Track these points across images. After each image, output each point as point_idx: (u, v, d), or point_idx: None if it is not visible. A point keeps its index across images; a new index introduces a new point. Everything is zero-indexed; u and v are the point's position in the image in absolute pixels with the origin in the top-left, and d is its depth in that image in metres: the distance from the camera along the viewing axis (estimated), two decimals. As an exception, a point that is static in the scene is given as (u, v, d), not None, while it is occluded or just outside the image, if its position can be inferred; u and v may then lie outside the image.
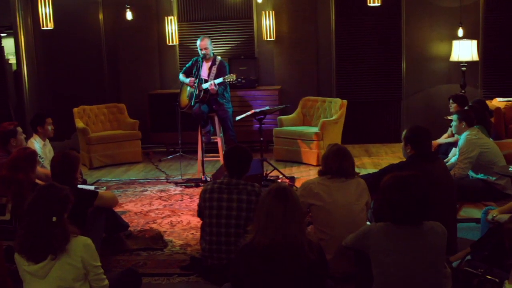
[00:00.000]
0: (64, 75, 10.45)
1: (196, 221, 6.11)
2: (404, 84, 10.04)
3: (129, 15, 9.38)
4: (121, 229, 5.50)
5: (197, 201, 6.63)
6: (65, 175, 4.80)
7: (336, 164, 4.57)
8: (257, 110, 7.67)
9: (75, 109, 9.30)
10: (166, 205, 6.99)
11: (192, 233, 5.94)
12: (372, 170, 7.78)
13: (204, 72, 8.25)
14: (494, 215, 4.57)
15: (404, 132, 5.08)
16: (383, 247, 3.52)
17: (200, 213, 4.83)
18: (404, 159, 5.20)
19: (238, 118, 7.86)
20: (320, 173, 4.69)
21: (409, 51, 9.97)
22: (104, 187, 7.18)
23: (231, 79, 7.74)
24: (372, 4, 8.28)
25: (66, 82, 10.44)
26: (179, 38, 10.04)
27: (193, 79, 8.14)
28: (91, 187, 6.75)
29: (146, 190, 7.67)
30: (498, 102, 8.97)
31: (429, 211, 3.56)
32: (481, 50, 9.73)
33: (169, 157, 9.48)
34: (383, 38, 9.98)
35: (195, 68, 8.28)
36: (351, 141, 9.68)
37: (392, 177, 3.56)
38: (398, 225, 3.55)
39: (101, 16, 10.34)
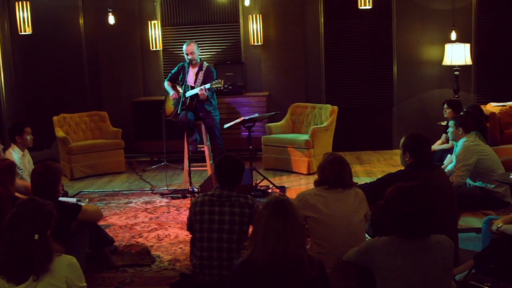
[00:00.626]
0: (43, 82, 10.31)
1: (185, 235, 5.97)
2: (395, 89, 10.02)
3: (111, 19, 9.19)
4: (106, 244, 5.34)
5: (185, 213, 6.80)
6: (46, 188, 4.65)
7: (333, 174, 4.45)
8: (246, 118, 7.56)
9: (55, 118, 9.17)
10: (152, 217, 6.84)
11: (181, 248, 5.78)
12: (365, 179, 7.85)
13: (190, 78, 8.13)
14: (499, 225, 4.46)
15: (402, 140, 4.97)
16: (388, 263, 3.39)
17: (190, 227, 4.67)
18: (401, 168, 5.08)
19: (226, 126, 7.75)
20: (316, 183, 4.57)
21: (401, 55, 9.94)
22: (87, 200, 7.17)
23: (219, 85, 7.62)
24: (363, 7, 8.19)
25: (46, 89, 10.30)
26: (163, 43, 9.97)
27: (174, 93, 8.03)
28: (73, 200, 6.71)
29: (131, 202, 7.52)
30: (492, 107, 8.92)
31: (435, 223, 3.44)
32: (474, 53, 9.69)
33: (153, 166, 9.38)
34: (374, 41, 9.94)
35: (181, 74, 8.13)
36: (342, 148, 9.57)
37: (398, 188, 3.44)
38: (404, 239, 3.42)
39: (81, 21, 10.21)
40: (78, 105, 10.08)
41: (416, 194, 3.39)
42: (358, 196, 4.51)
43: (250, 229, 4.28)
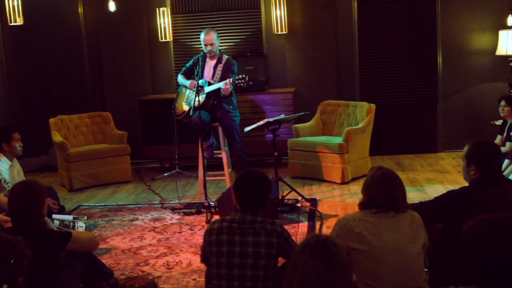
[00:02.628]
0: (38, 78, 10.04)
1: (199, 262, 5.34)
2: (440, 83, 9.63)
3: (112, 6, 8.83)
4: (103, 278, 4.74)
5: (200, 233, 6.40)
6: (27, 214, 4.11)
7: (382, 194, 3.85)
8: (271, 119, 7.07)
9: (52, 120, 8.89)
10: (161, 239, 6.31)
11: (195, 279, 5.20)
12: (408, 189, 7.17)
13: (207, 73, 7.66)
14: None
15: (465, 149, 4.35)
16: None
17: (205, 259, 4.06)
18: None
19: (247, 129, 7.25)
20: (362, 206, 3.95)
21: (447, 43, 9.55)
22: (85, 217, 6.73)
23: (243, 81, 7.12)
24: None
25: (41, 87, 10.05)
26: (173, 33, 9.67)
27: (194, 81, 7.52)
28: (69, 217, 6.39)
29: (137, 219, 7.04)
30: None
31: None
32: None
33: (164, 174, 9.08)
34: (415, 29, 9.55)
35: (197, 67, 7.61)
36: (378, 152, 9.42)
37: (481, 223, 2.78)
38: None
39: (80, 9, 9.92)
40: (78, 105, 9.87)
41: (507, 232, 2.73)
42: (415, 222, 3.88)
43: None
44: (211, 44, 7.51)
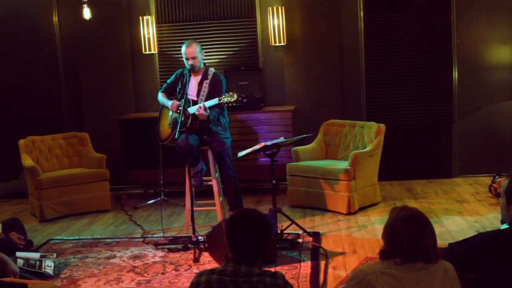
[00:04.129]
0: (7, 94, 9.74)
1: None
2: (455, 101, 9.35)
3: (86, 13, 8.56)
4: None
5: (186, 274, 5.90)
6: None
7: (408, 241, 3.35)
8: (268, 143, 6.62)
9: (21, 141, 8.57)
10: (141, 281, 5.78)
11: (178, 335, 4.61)
12: None
13: (192, 90, 7.21)
14: None
15: (505, 184, 3.87)
16: None
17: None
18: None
19: (241, 154, 6.81)
20: (383, 254, 3.44)
21: (463, 57, 9.28)
22: (54, 254, 6.40)
23: (230, 100, 6.65)
24: None
25: (11, 104, 9.76)
26: (158, 44, 9.47)
27: (176, 102, 7.16)
28: (36, 255, 6.11)
29: (115, 256, 6.53)
30: None
31: None
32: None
33: (148, 202, 8.70)
34: (428, 41, 9.26)
35: (179, 84, 7.27)
36: (387, 177, 9.13)
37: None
38: None
39: (55, 18, 9.63)
40: (52, 125, 9.55)
41: None
42: (449, 275, 3.38)
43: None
44: (193, 58, 7.09)
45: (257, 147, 6.61)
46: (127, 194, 9.35)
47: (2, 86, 9.68)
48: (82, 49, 9.55)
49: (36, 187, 8.10)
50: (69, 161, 8.90)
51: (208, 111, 6.79)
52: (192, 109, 6.89)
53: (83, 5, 8.50)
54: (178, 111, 6.96)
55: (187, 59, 7.10)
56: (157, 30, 9.35)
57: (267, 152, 6.66)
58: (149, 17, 9.21)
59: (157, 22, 9.40)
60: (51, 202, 8.14)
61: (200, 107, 6.72)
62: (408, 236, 3.36)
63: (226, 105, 6.80)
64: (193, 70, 7.12)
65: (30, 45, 9.60)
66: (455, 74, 9.22)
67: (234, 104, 6.68)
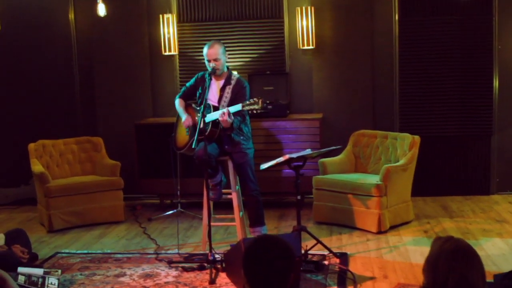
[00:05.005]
0: (18, 96, 9.69)
1: None
2: (496, 112, 9.18)
3: (101, 10, 8.38)
4: None
5: None
6: None
7: (454, 278, 3.04)
8: (294, 155, 6.37)
9: (31, 145, 8.48)
10: None
11: None
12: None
13: (213, 95, 6.93)
14: None
15: None
16: None
17: None
18: None
19: (263, 166, 6.57)
20: None
21: (505, 64, 9.12)
22: (59, 271, 6.19)
23: (255, 107, 6.37)
24: None
25: (22, 107, 9.69)
26: (179, 45, 9.32)
27: (188, 118, 6.97)
28: (39, 272, 5.90)
29: (124, 274, 6.23)
30: None
31: None
32: None
33: (163, 214, 8.55)
34: (467, 46, 9.12)
35: (200, 89, 6.99)
36: (420, 192, 8.89)
37: None
38: None
39: (71, 15, 9.56)
40: (64, 128, 9.52)
41: None
42: None
43: None
44: (216, 60, 6.80)
45: (281, 159, 6.36)
46: (143, 203, 9.20)
47: (15, 88, 9.68)
48: (98, 48, 9.50)
49: (45, 195, 7.93)
50: (81, 167, 8.78)
51: (232, 117, 6.51)
52: (212, 116, 6.63)
53: (98, 1, 8.40)
54: (195, 121, 6.72)
55: (209, 61, 6.82)
56: (178, 30, 9.23)
57: (293, 165, 6.41)
58: (169, 15, 9.10)
59: (178, 21, 9.29)
60: (60, 212, 7.98)
61: (223, 113, 6.43)
62: (454, 273, 3.05)
63: (249, 112, 6.52)
64: (214, 73, 6.83)
65: (44, 44, 9.56)
66: (496, 83, 9.03)
67: (257, 112, 6.42)
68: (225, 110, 6.45)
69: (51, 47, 9.57)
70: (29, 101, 9.62)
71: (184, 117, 6.94)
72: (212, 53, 6.77)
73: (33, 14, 9.46)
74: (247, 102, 6.38)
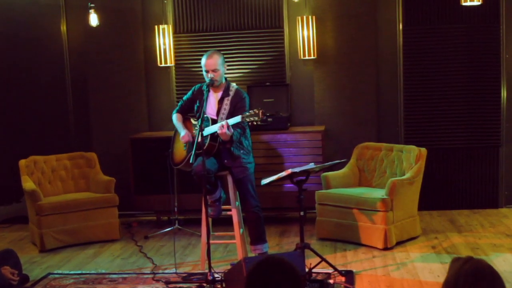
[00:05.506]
0: (9, 110, 9.62)
1: None
2: (504, 122, 9.14)
3: (93, 20, 8.40)
4: None
5: None
6: None
7: None
8: (296, 170, 6.20)
9: (22, 161, 8.35)
10: None
11: None
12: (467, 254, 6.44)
13: (211, 108, 6.80)
14: None
15: None
16: None
17: None
18: None
19: (264, 181, 6.40)
20: None
21: None
22: None
23: (255, 119, 6.23)
24: (468, 3, 7.29)
25: (13, 121, 9.64)
26: (175, 56, 9.27)
27: (186, 133, 6.83)
28: None
29: None
30: None
31: None
32: None
33: (160, 231, 8.44)
34: (474, 56, 9.07)
35: (197, 102, 6.86)
36: (426, 206, 8.87)
37: None
38: None
39: (63, 27, 9.46)
40: (57, 143, 9.43)
41: None
42: None
43: None
44: (214, 70, 6.64)
45: (283, 174, 6.21)
46: (139, 220, 9.12)
47: (5, 102, 9.62)
48: (91, 60, 9.41)
49: (36, 213, 7.79)
50: (75, 184, 8.66)
51: (232, 130, 6.38)
52: (211, 129, 6.50)
53: (90, 11, 8.32)
54: (193, 136, 6.56)
55: (207, 71, 6.67)
56: (174, 41, 9.17)
57: (295, 180, 6.27)
58: (165, 26, 9.04)
59: (174, 32, 9.24)
60: (52, 230, 7.85)
61: (222, 125, 6.30)
62: (476, 296, 2.86)
63: (249, 124, 6.40)
64: (212, 85, 6.69)
65: (36, 56, 9.50)
66: (504, 93, 9.00)
67: (258, 123, 6.29)
68: (223, 122, 6.33)
69: (43, 60, 9.51)
70: (20, 116, 9.56)
71: (182, 132, 6.81)
72: (211, 63, 6.63)
73: (23, 26, 9.43)
74: (247, 113, 6.23)
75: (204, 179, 6.18)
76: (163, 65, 9.08)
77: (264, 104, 8.76)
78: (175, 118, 7.00)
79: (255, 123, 6.23)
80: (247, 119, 6.18)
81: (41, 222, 7.74)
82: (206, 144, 6.43)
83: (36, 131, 9.51)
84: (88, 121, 9.47)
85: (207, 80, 6.66)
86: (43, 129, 9.53)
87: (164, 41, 8.99)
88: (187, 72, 9.25)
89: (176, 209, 8.27)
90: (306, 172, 6.27)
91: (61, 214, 7.91)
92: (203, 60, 6.69)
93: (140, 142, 8.84)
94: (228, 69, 8.19)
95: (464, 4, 7.27)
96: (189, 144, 6.71)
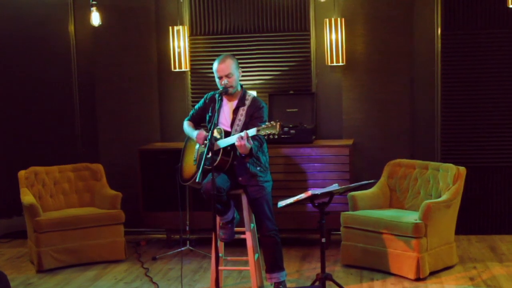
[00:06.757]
0: (11, 118, 9.62)
1: None
2: None
3: (95, 19, 8.25)
4: None
5: None
6: None
7: None
8: (317, 192, 5.85)
9: (21, 173, 8.24)
10: None
11: None
12: None
13: (224, 119, 6.53)
14: None
15: None
16: None
17: None
18: None
19: (281, 204, 6.07)
20: None
21: None
22: None
23: (272, 132, 5.93)
24: None
25: (15, 129, 9.62)
26: (191, 60, 9.17)
27: (203, 132, 6.52)
28: None
29: None
30: None
31: None
32: None
33: (170, 252, 8.22)
34: None
35: (209, 111, 6.61)
36: (464, 230, 8.63)
37: None
38: None
39: (71, 27, 9.43)
40: (61, 154, 9.41)
41: None
42: None
43: None
44: (228, 76, 6.37)
45: (302, 196, 5.89)
46: (148, 238, 8.96)
47: (7, 108, 9.63)
48: (100, 64, 9.37)
49: (34, 229, 7.61)
50: (79, 198, 8.51)
51: (252, 142, 6.06)
52: (225, 141, 6.21)
53: (92, 9, 8.24)
54: (205, 143, 6.26)
55: (220, 77, 6.41)
56: (190, 44, 9.10)
57: (316, 203, 5.95)
58: (180, 27, 8.94)
59: (190, 34, 9.16)
60: (51, 249, 7.66)
61: (241, 137, 6.00)
62: None
63: (267, 137, 6.06)
64: (226, 93, 6.41)
65: (40, 58, 9.47)
66: None
67: (274, 137, 5.97)
68: (242, 133, 6.03)
69: (48, 62, 9.48)
70: (23, 123, 9.55)
71: (195, 133, 6.57)
72: (224, 68, 6.37)
73: (28, 26, 9.41)
74: (263, 125, 5.92)
75: (215, 198, 5.90)
76: (177, 70, 8.97)
77: (287, 114, 8.70)
78: (186, 125, 6.83)
79: (271, 137, 5.92)
80: (263, 132, 5.86)
81: (39, 239, 7.57)
82: (218, 159, 6.16)
83: (40, 139, 9.50)
84: (95, 129, 9.45)
85: (220, 87, 6.41)
86: (47, 137, 9.51)
87: (179, 43, 8.88)
88: (203, 77, 9.14)
89: (188, 228, 8.18)
90: (329, 194, 5.97)
91: (61, 231, 7.76)
92: (215, 65, 6.45)
93: (151, 153, 8.73)
94: (247, 76, 8.43)
95: (511, 6, 6.96)
96: (199, 158, 6.46)
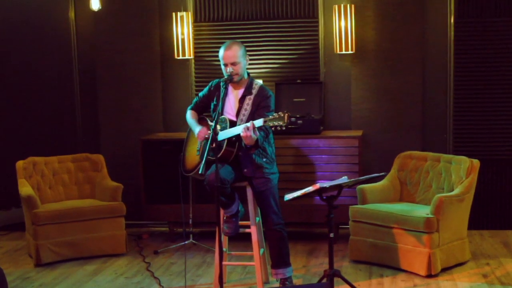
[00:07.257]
0: (10, 108, 9.57)
1: None
2: None
3: (94, 3, 8.29)
4: None
5: None
6: None
7: None
8: (326, 185, 5.73)
9: (20, 163, 8.16)
10: None
11: None
12: None
13: (230, 107, 6.41)
14: None
15: None
16: None
17: None
18: None
19: (288, 197, 5.94)
20: None
21: None
22: None
23: (279, 123, 5.81)
24: None
25: (14, 119, 9.58)
26: (195, 48, 9.05)
27: (202, 129, 6.45)
28: None
29: None
30: None
31: None
32: None
33: (172, 246, 8.14)
34: None
35: (214, 99, 6.49)
36: (476, 225, 8.52)
37: None
38: None
39: (71, 13, 9.33)
40: (60, 144, 9.32)
41: None
42: None
43: None
44: (234, 64, 6.23)
45: (310, 189, 5.75)
46: (150, 232, 8.88)
47: (5, 98, 9.58)
48: (101, 51, 9.32)
49: (32, 222, 7.51)
50: (78, 189, 8.44)
51: (258, 133, 5.94)
52: (229, 132, 6.09)
53: None
54: (206, 136, 6.17)
55: (226, 65, 6.29)
56: (194, 31, 8.98)
57: (324, 196, 5.83)
58: (184, 13, 8.84)
59: (195, 21, 9.04)
60: (50, 242, 7.58)
61: (247, 127, 5.87)
62: None
63: (273, 128, 5.91)
64: (232, 80, 6.27)
65: (40, 46, 9.41)
66: None
67: (281, 128, 5.83)
68: (248, 124, 5.91)
69: (48, 49, 9.43)
70: (22, 112, 9.52)
71: (197, 129, 6.46)
72: (230, 55, 6.24)
73: (27, 13, 9.34)
74: (270, 116, 5.78)
75: (218, 190, 5.75)
76: (181, 57, 8.89)
77: (294, 104, 8.61)
78: (189, 114, 6.70)
79: (279, 128, 5.78)
80: (270, 123, 5.73)
81: (38, 232, 7.48)
82: (222, 150, 6.05)
83: (39, 129, 9.48)
84: (96, 118, 9.40)
85: (225, 75, 6.29)
86: (47, 127, 9.48)
87: (183, 30, 8.79)
88: (208, 66, 9.06)
89: (191, 221, 8.08)
90: (338, 187, 5.84)
91: (60, 223, 7.68)
92: (221, 52, 6.32)
93: (153, 144, 8.65)
94: (254, 64, 8.34)
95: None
96: (203, 148, 6.33)
